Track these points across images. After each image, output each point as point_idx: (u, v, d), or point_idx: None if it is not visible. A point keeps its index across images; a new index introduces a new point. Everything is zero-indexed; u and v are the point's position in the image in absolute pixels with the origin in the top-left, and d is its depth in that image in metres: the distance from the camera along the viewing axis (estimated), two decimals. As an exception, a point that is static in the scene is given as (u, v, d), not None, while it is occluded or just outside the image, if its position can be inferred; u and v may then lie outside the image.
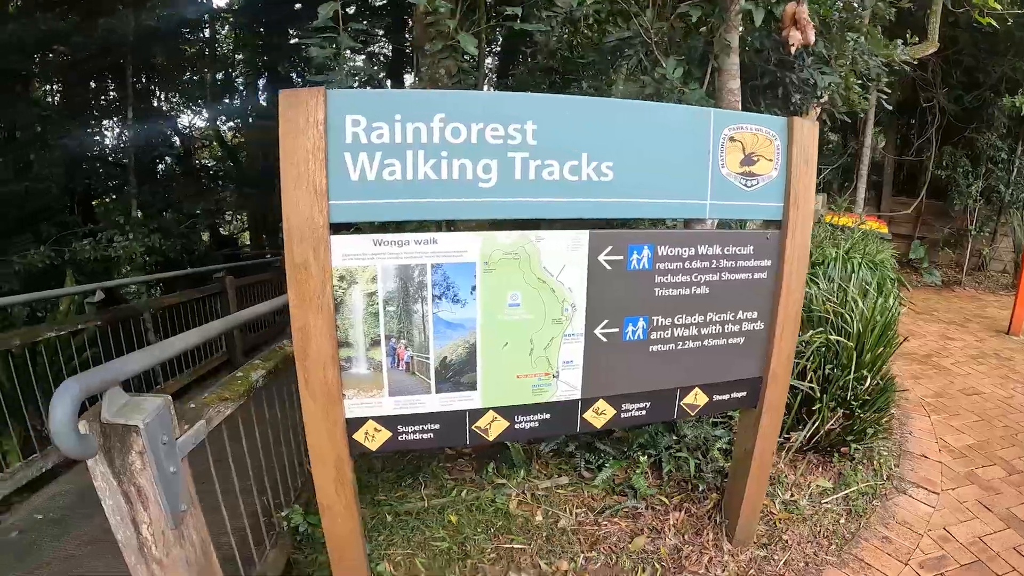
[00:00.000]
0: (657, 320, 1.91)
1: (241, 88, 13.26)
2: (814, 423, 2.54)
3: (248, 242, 14.30)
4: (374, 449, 1.76)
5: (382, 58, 14.07)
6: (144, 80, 8.81)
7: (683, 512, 2.37)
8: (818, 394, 2.54)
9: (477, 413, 1.79)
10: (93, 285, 3.96)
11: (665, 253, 1.87)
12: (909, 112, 8.81)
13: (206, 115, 12.80)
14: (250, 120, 12.68)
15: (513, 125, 1.62)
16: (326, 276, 1.55)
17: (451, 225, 2.65)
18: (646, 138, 1.76)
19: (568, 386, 1.85)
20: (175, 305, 4.46)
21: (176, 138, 11.35)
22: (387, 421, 1.73)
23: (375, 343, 1.65)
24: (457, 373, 1.73)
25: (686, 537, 2.32)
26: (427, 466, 2.56)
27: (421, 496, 2.37)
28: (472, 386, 1.76)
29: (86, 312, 3.72)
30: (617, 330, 1.86)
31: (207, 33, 11.86)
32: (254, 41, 12.44)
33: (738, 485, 2.29)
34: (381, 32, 13.03)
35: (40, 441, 3.08)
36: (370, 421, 1.72)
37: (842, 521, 2.57)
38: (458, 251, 1.65)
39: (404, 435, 1.75)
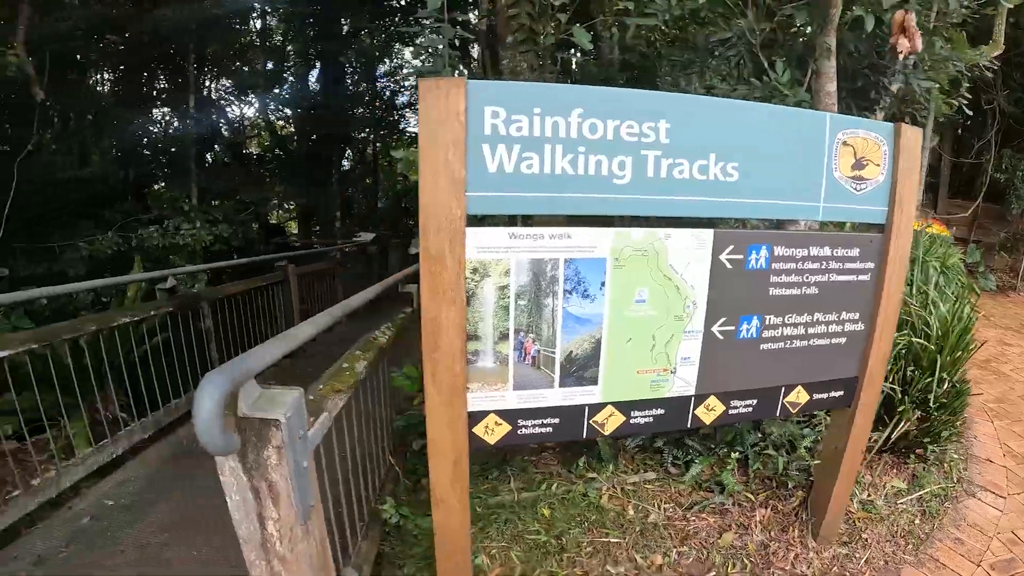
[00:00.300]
0: (769, 319, 1.92)
1: (292, 78, 13.32)
2: (895, 424, 2.56)
3: (295, 231, 14.32)
4: (492, 443, 1.77)
5: (430, 49, 13.91)
6: (196, 69, 8.79)
7: (769, 509, 2.39)
8: (899, 395, 2.55)
9: (596, 407, 1.80)
10: (164, 272, 3.97)
11: (780, 253, 1.87)
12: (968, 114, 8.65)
13: (256, 105, 12.91)
14: (299, 110, 12.70)
15: (647, 123, 1.63)
16: (460, 268, 1.55)
17: (528, 220, 2.65)
18: (768, 140, 1.77)
19: (684, 382, 1.86)
20: (241, 293, 4.46)
21: (228, 127, 11.37)
22: (508, 415, 1.74)
23: (503, 337, 1.66)
24: (581, 368, 1.74)
25: (772, 534, 2.34)
26: (513, 459, 2.58)
27: (510, 489, 2.39)
28: (594, 381, 1.77)
29: (157, 298, 3.72)
30: (733, 328, 1.87)
31: (259, 23, 11.85)
32: (306, 31, 12.42)
33: (826, 483, 2.31)
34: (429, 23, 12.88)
35: (110, 426, 3.08)
36: (491, 415, 1.73)
37: (916, 522, 2.58)
38: (590, 246, 1.66)
39: (524, 429, 1.77)
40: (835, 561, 2.33)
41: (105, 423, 3.10)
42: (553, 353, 1.71)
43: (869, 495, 2.60)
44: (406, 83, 14.76)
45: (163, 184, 8.32)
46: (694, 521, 2.32)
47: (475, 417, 1.71)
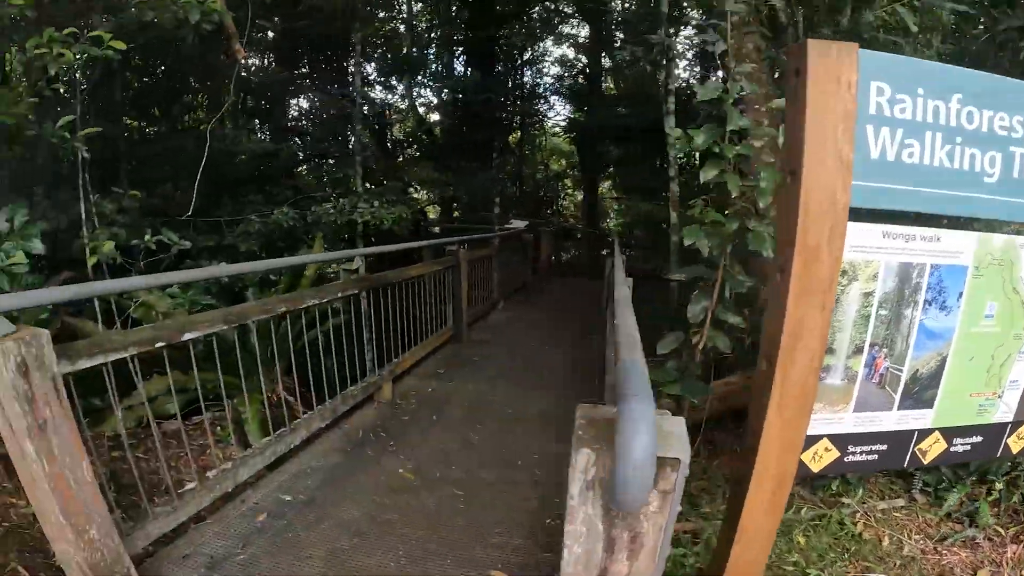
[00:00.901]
0: (1081, 340, 1.75)
1: (440, 65, 13.30)
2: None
3: (432, 216, 14.11)
4: (815, 471, 1.57)
5: (570, 40, 13.99)
6: (361, 53, 8.64)
7: (1020, 545, 2.21)
8: None
9: (924, 433, 1.61)
10: (354, 252, 3.69)
11: (1096, 269, 1.71)
12: None
13: (404, 90, 12.88)
14: (443, 96, 12.71)
15: (1017, 116, 1.46)
16: (836, 266, 1.34)
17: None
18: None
19: (1006, 407, 1.68)
20: (420, 276, 4.26)
21: (377, 111, 11.34)
22: (840, 440, 1.54)
23: (858, 350, 1.46)
24: (922, 388, 1.55)
25: (1022, 573, 2.16)
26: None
27: (749, 514, 2.17)
28: (929, 404, 1.58)
29: (340, 279, 3.40)
30: (1058, 350, 1.70)
31: (405, 9, 11.87)
32: (455, 16, 12.34)
33: (1081, 519, 2.15)
34: (571, 10, 12.85)
35: (289, 413, 2.78)
36: (824, 439, 1.53)
37: None
38: (955, 252, 1.48)
39: (851, 456, 1.56)
40: (1079, 604, 2.16)
41: (285, 408, 2.77)
42: (900, 371, 1.51)
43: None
44: (550, 72, 15.00)
45: (313, 164, 8.16)
46: (947, 555, 2.13)
47: (808, 442, 1.50)
